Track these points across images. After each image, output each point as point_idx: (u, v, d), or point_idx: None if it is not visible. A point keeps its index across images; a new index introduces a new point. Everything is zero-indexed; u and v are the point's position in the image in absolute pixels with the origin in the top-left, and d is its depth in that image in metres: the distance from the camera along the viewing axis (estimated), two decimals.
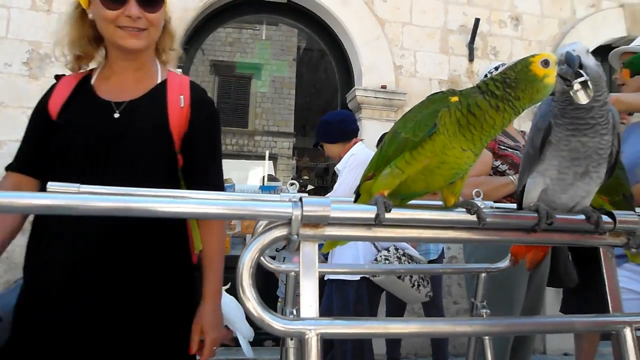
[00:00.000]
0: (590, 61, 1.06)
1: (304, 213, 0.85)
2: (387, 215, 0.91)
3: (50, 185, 1.26)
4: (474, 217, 0.97)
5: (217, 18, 5.37)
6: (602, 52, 5.02)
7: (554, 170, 1.11)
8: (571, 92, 0.98)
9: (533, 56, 0.97)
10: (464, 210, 0.99)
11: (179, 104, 1.58)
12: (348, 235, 0.95)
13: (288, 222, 0.87)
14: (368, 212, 0.91)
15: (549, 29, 5.71)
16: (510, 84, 0.96)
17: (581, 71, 0.98)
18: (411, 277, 2.95)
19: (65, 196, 0.82)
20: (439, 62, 5.44)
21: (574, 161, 1.09)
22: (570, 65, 0.98)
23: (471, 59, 5.50)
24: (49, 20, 4.55)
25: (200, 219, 1.56)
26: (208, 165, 1.63)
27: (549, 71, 0.95)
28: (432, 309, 4.03)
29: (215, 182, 1.63)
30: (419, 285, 2.95)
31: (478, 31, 5.44)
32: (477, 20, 5.40)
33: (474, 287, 1.87)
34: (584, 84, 0.97)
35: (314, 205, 0.86)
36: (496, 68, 2.62)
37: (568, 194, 1.12)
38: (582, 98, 0.98)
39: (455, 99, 0.99)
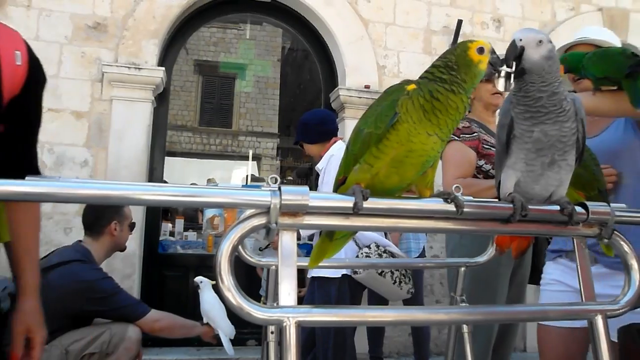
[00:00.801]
0: (536, 54, 1.10)
1: (283, 202, 0.86)
2: (365, 205, 0.92)
3: (29, 178, 1.24)
4: (451, 207, 0.98)
5: (201, 17, 5.34)
6: None
7: (522, 163, 1.15)
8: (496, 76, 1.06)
9: (471, 42, 1.03)
10: (442, 200, 1.00)
11: (14, 60, 1.29)
12: (326, 225, 0.96)
13: (267, 210, 0.87)
14: (346, 201, 0.92)
15: None
16: (452, 67, 1.01)
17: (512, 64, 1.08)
18: (392, 273, 2.96)
19: (46, 183, 0.82)
20: (422, 63, 5.47)
21: (539, 152, 1.13)
22: (507, 56, 1.08)
23: None
24: None
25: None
26: (34, 148, 1.41)
27: (483, 58, 1.02)
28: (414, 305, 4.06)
29: (37, 166, 1.41)
30: (400, 282, 2.97)
31: (461, 32, 5.48)
32: (459, 22, 5.44)
33: (455, 282, 1.89)
34: (507, 75, 1.05)
35: (293, 194, 0.87)
36: None
37: (540, 184, 1.14)
38: (502, 85, 1.06)
39: (412, 86, 1.01)
